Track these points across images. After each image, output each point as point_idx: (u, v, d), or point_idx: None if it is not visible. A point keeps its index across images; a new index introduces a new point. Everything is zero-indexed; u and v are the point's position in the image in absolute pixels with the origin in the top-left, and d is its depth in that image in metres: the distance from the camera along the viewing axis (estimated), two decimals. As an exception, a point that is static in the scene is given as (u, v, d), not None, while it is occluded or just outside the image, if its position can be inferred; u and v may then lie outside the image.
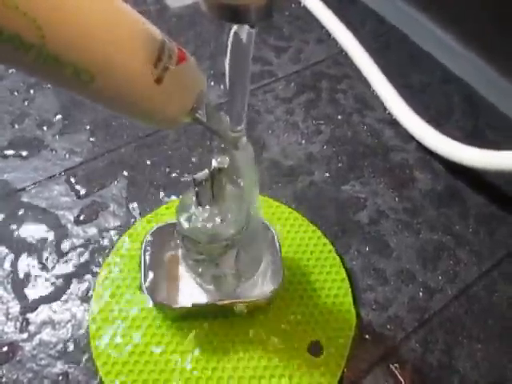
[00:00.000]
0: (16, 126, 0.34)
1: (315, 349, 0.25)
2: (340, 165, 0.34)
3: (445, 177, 0.34)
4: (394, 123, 0.37)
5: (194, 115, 0.15)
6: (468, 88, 0.40)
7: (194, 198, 0.20)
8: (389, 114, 0.38)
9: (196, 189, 0.19)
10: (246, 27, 0.15)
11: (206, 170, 0.19)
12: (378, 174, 0.34)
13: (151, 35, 0.13)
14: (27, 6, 0.10)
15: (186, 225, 0.21)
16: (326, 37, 0.43)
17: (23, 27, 0.10)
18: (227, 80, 0.17)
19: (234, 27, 0.15)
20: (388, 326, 0.27)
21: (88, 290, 0.27)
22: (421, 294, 0.29)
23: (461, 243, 0.31)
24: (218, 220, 0.20)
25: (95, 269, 0.28)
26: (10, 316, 0.26)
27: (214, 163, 0.19)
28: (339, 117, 0.37)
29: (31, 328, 0.26)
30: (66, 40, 0.11)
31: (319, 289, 0.27)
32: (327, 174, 0.34)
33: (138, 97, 0.13)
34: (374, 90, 0.39)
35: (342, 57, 0.42)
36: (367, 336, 0.27)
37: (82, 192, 0.31)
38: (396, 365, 0.26)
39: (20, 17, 0.10)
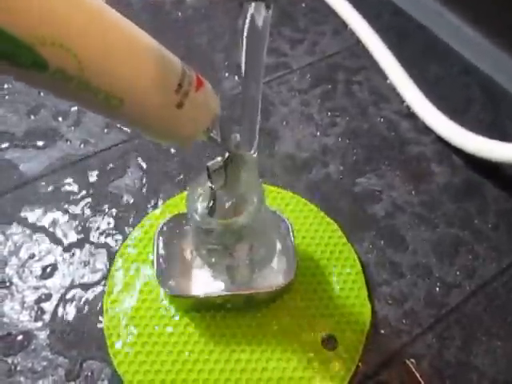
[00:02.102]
0: (32, 117, 0.34)
1: (329, 342, 0.25)
2: (355, 157, 0.34)
3: (463, 170, 0.33)
4: (410, 115, 0.36)
5: (208, 135, 0.17)
6: (487, 79, 0.39)
7: (206, 186, 0.20)
8: (406, 106, 0.37)
9: (210, 177, 0.19)
10: (263, 10, 0.15)
11: (220, 158, 0.18)
12: (394, 167, 0.33)
13: (173, 65, 0.15)
14: (69, 44, 0.12)
15: (198, 214, 0.20)
16: (342, 28, 0.43)
17: (66, 62, 0.12)
18: (242, 67, 0.17)
19: (251, 9, 0.15)
20: (404, 321, 0.27)
21: (102, 280, 0.27)
22: (437, 289, 0.28)
23: (479, 238, 0.30)
24: (231, 208, 0.20)
25: (108, 259, 0.28)
26: (25, 305, 0.26)
27: (227, 152, 0.18)
28: (355, 109, 0.37)
29: (46, 317, 0.26)
30: (101, 71, 0.13)
31: (333, 282, 0.27)
32: (342, 167, 0.33)
33: (160, 120, 0.15)
34: (390, 82, 0.38)
35: (358, 48, 0.41)
36: (382, 330, 0.26)
37: (97, 182, 0.31)
38: (412, 360, 0.25)
39: (64, 53, 0.12)
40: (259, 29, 0.15)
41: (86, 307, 0.26)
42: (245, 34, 0.15)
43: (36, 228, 0.29)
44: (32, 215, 0.29)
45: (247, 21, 0.15)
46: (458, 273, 0.29)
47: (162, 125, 0.15)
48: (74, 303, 0.26)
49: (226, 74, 0.38)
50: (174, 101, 0.15)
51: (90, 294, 0.27)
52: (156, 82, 0.14)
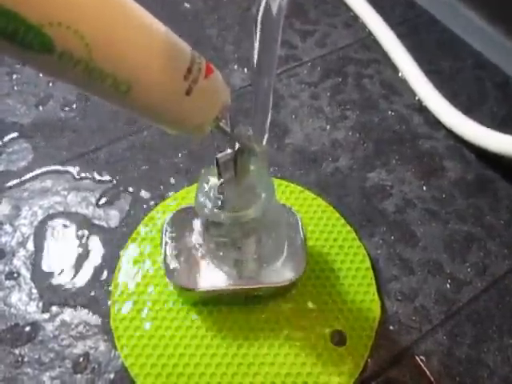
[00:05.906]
0: (40, 108, 0.34)
1: (338, 338, 0.25)
2: (365, 151, 0.33)
3: (476, 165, 0.33)
4: (422, 109, 0.36)
5: (217, 124, 0.17)
6: (502, 74, 0.38)
7: (215, 179, 0.20)
8: (417, 100, 0.36)
9: (219, 169, 0.19)
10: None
11: (229, 150, 0.18)
12: (406, 162, 0.33)
13: (182, 51, 0.14)
14: (77, 25, 0.11)
15: (207, 206, 0.20)
16: (353, 21, 0.42)
17: (73, 44, 0.12)
18: (255, 57, 0.17)
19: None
20: (414, 318, 0.26)
21: (109, 273, 0.27)
22: (448, 285, 0.28)
23: (491, 235, 0.30)
24: (240, 201, 0.20)
25: (116, 253, 0.28)
26: (32, 296, 0.26)
27: (238, 143, 0.18)
28: (365, 102, 0.36)
29: (53, 308, 0.26)
30: (109, 55, 0.12)
31: (342, 277, 0.27)
32: (352, 161, 0.33)
33: (168, 106, 0.15)
34: (402, 75, 0.38)
35: (369, 41, 0.40)
36: (392, 327, 0.26)
37: (104, 174, 0.31)
38: (422, 357, 0.25)
39: (71, 35, 0.11)
40: (274, 17, 0.15)
41: (94, 300, 0.26)
42: (259, 22, 0.15)
43: (44, 219, 0.29)
44: (40, 207, 0.29)
45: (261, 8, 0.14)
46: (469, 269, 0.28)
47: (170, 112, 0.15)
48: (82, 296, 0.26)
49: (236, 67, 0.37)
50: (182, 87, 0.14)
51: (98, 287, 0.26)
52: (165, 67, 0.14)
